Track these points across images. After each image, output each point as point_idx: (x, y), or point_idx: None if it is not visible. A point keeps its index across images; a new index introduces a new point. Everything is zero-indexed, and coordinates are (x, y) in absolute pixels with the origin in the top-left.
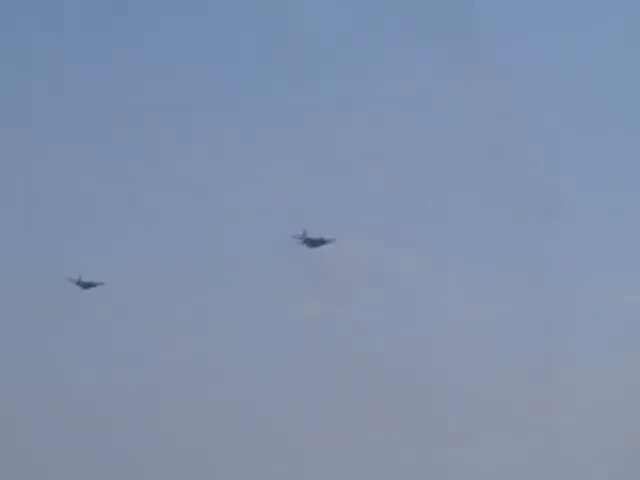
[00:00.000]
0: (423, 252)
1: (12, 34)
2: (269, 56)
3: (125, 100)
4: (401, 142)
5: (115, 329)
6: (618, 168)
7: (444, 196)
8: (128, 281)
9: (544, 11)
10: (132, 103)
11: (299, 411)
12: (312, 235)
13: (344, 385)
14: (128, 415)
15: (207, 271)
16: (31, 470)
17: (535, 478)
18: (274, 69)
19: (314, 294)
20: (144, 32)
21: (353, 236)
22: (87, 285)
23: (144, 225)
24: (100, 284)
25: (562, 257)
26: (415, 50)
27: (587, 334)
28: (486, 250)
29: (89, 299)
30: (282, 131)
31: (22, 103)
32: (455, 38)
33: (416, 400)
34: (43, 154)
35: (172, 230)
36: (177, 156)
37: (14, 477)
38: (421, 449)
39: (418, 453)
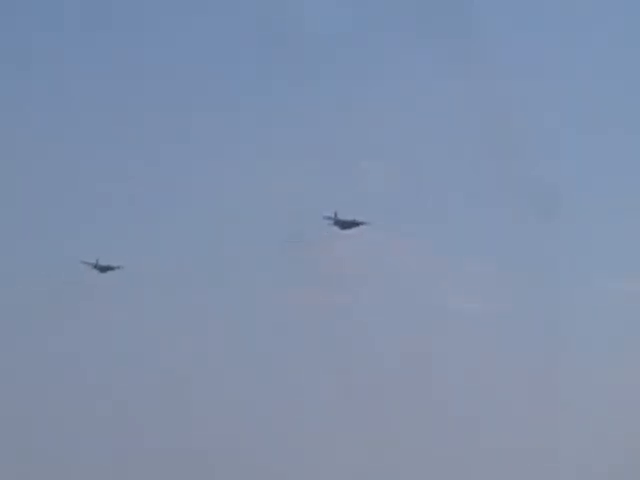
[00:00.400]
0: (423, 251)
1: (12, 34)
2: (269, 56)
3: (125, 100)
4: (401, 142)
5: (113, 329)
6: (618, 168)
7: (444, 196)
8: (127, 281)
9: (544, 11)
10: (132, 103)
11: (299, 410)
12: (344, 217)
13: (345, 383)
14: (127, 415)
15: (207, 271)
16: (31, 470)
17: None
18: (274, 69)
19: (314, 293)
20: (144, 32)
21: (352, 236)
22: (104, 269)
23: (143, 225)
24: (118, 268)
25: (562, 257)
26: (415, 50)
27: (587, 332)
28: (486, 249)
29: (89, 298)
30: (282, 131)
31: (22, 103)
32: (455, 38)
33: (415, 397)
34: (43, 154)
35: (172, 230)
36: (177, 156)
37: (14, 477)
38: (420, 447)
39: (417, 451)
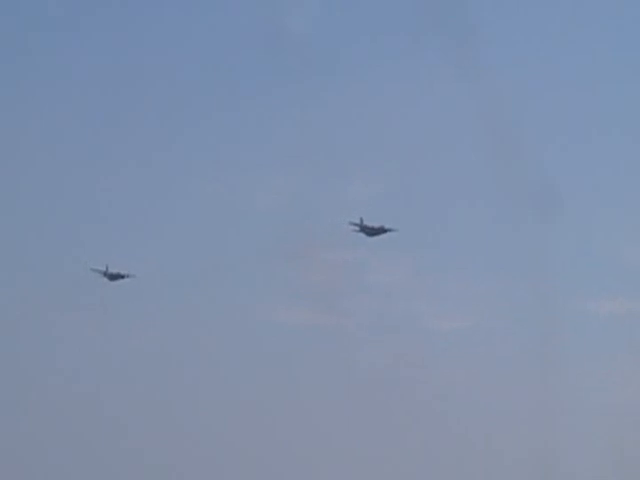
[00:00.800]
0: (422, 253)
1: (12, 34)
2: (269, 56)
3: (125, 100)
4: (400, 142)
5: (112, 329)
6: (618, 168)
7: (443, 197)
8: (126, 282)
9: (544, 11)
10: (132, 103)
11: (297, 413)
12: (370, 223)
13: (335, 400)
14: (127, 416)
15: (206, 272)
16: (35, 469)
17: None
18: (274, 69)
19: (307, 300)
20: (144, 32)
21: (350, 238)
22: (114, 276)
23: (143, 225)
24: (128, 276)
25: (562, 257)
26: (415, 50)
27: (587, 339)
28: (485, 251)
29: (90, 301)
30: (282, 131)
31: (22, 103)
32: (455, 39)
33: (409, 411)
34: (42, 154)
35: (171, 230)
36: (176, 156)
37: (19, 475)
38: (417, 460)
39: (414, 464)
